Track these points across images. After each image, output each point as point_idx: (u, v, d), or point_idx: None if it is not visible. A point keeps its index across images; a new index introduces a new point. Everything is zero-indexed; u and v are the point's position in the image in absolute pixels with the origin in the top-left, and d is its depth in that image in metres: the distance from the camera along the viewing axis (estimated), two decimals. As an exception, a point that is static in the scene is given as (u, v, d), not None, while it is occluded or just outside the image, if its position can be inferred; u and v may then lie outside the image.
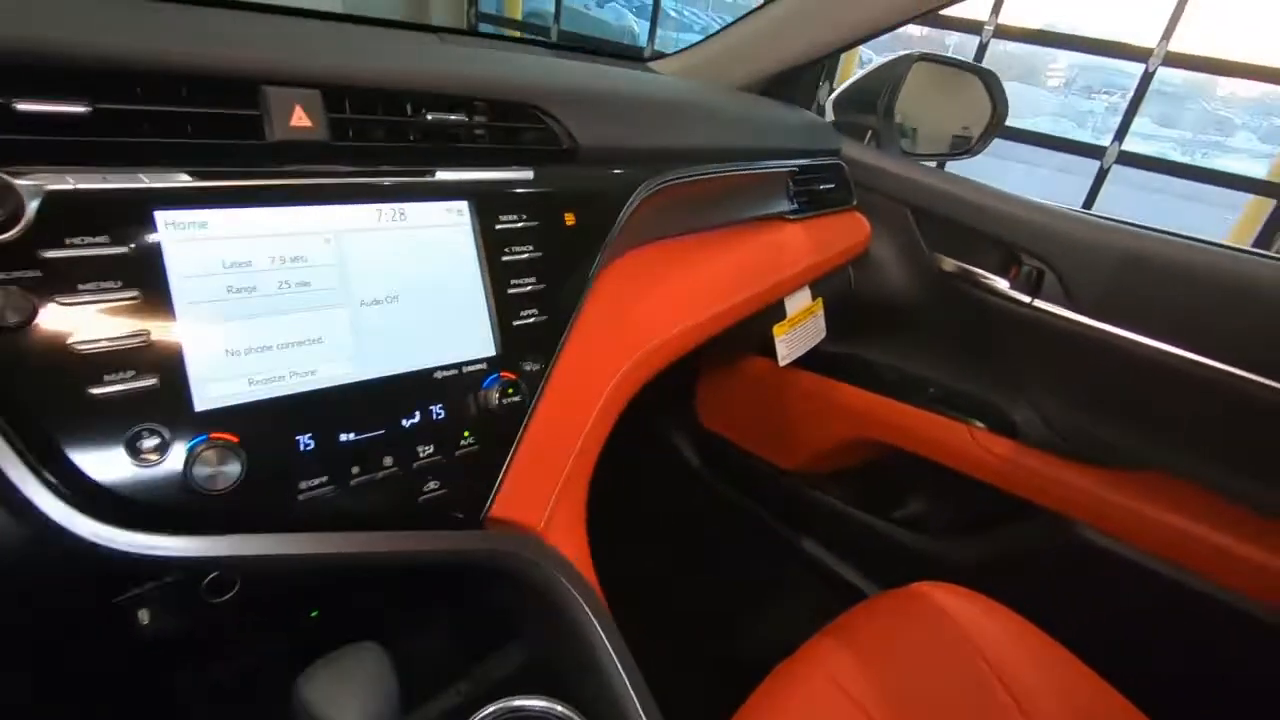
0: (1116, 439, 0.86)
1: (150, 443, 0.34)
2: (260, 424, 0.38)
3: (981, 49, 3.60)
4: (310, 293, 0.41)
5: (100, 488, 0.33)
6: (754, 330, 0.91)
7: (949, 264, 0.95)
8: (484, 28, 5.18)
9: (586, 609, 0.50)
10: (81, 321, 0.33)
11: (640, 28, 6.79)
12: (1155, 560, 0.86)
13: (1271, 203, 3.27)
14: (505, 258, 0.50)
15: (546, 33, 5.00)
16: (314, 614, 0.55)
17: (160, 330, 0.35)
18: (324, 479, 0.40)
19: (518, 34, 5.14)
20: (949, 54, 1.14)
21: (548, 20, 5.11)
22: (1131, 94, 3.35)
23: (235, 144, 0.39)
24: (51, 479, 0.32)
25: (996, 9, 3.56)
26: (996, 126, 1.09)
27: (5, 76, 0.32)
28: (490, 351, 0.48)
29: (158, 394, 0.35)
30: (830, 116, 1.05)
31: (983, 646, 0.71)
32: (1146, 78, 3.29)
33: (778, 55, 0.90)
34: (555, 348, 0.52)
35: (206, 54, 0.39)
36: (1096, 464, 0.88)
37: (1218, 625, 0.84)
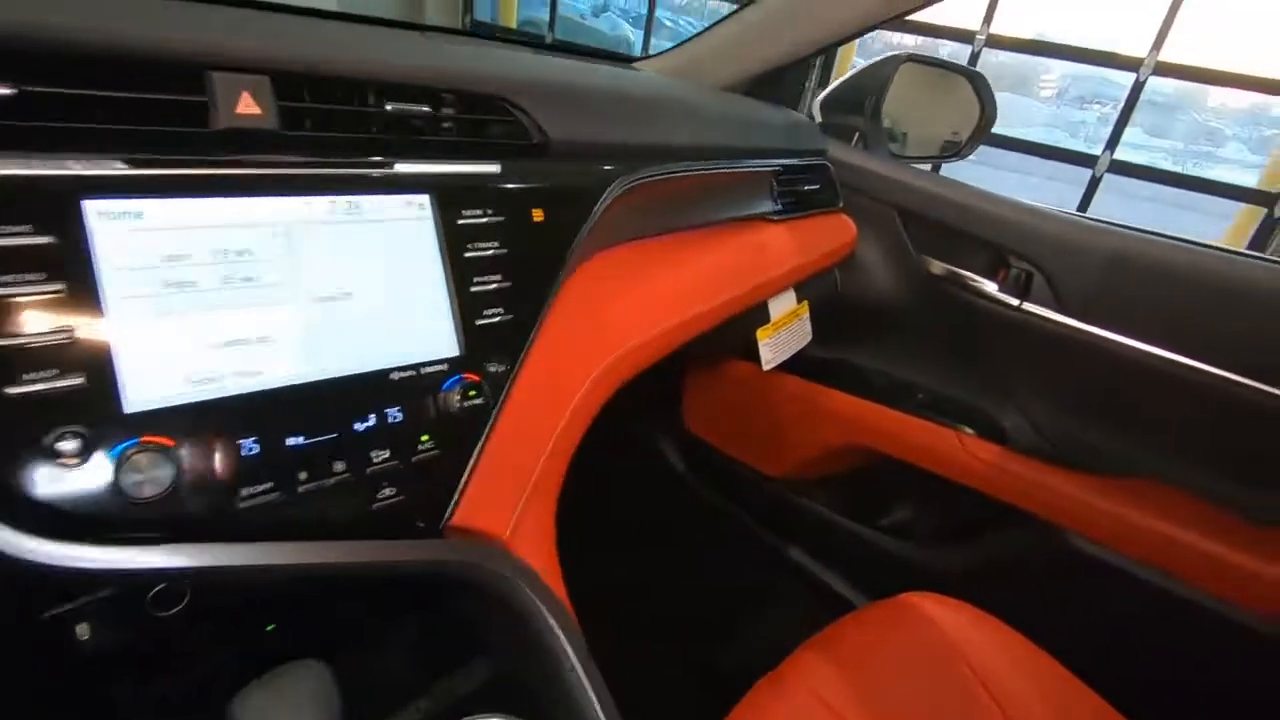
0: (1105, 444, 0.84)
1: (71, 446, 0.32)
2: (198, 427, 0.36)
3: (974, 58, 3.62)
4: (256, 288, 0.39)
5: (17, 495, 0.31)
6: (739, 333, 0.89)
7: (937, 266, 0.94)
8: (478, 35, 5.18)
9: (553, 622, 0.48)
10: None
11: (636, 37, 6.82)
12: (1144, 568, 0.85)
13: (1262, 211, 3.29)
14: (469, 254, 0.48)
15: (540, 41, 5.02)
16: (270, 628, 0.53)
17: (88, 327, 0.33)
18: (268, 485, 0.38)
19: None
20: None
21: (542, 29, 5.13)
22: (1123, 103, 3.37)
23: (178, 131, 0.37)
24: None
25: (988, 17, 3.59)
26: (985, 129, 1.08)
27: None
28: (451, 352, 0.46)
29: (83, 394, 0.33)
30: (818, 118, 1.04)
31: (970, 658, 0.69)
32: (1137, 87, 3.32)
33: (762, 54, 0.89)
34: (522, 349, 0.50)
35: (147, 35, 0.37)
36: (1085, 470, 0.86)
37: (1207, 633, 0.82)
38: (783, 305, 0.91)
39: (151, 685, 0.49)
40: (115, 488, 0.33)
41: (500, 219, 0.49)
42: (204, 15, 0.42)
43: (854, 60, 3.93)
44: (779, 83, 0.94)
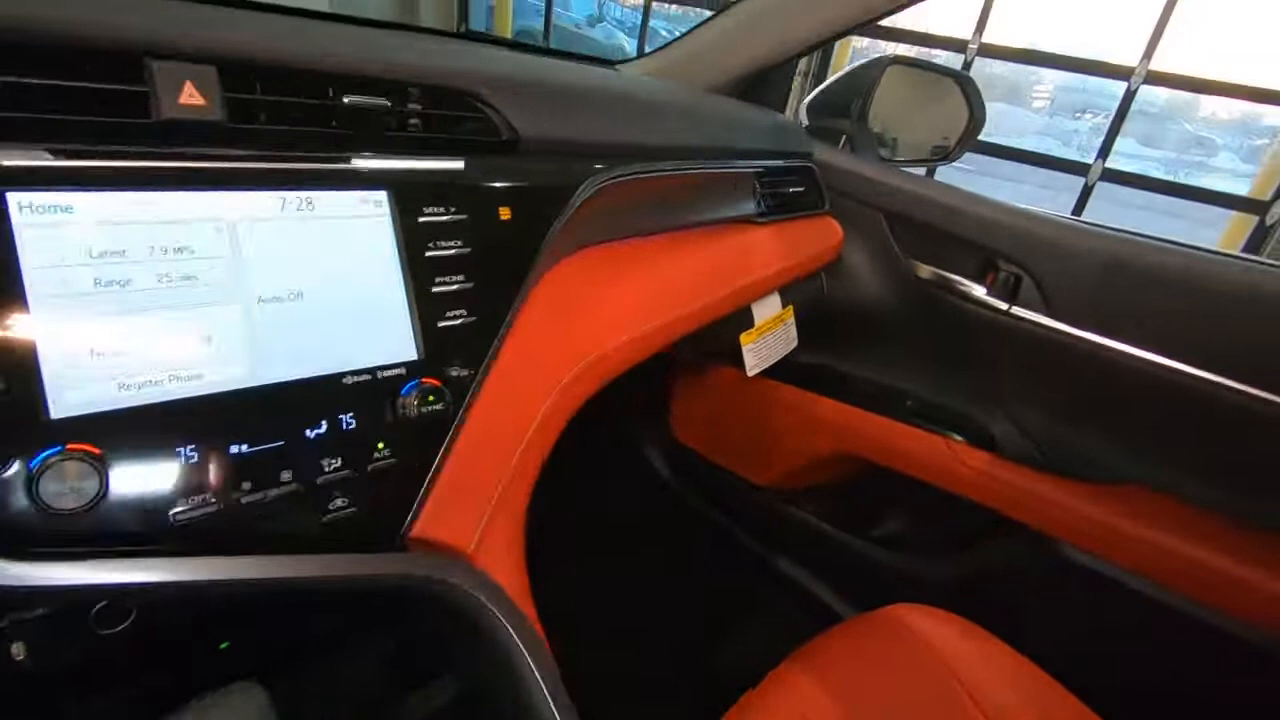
0: (1095, 451, 0.83)
1: None
2: (130, 434, 0.34)
3: (966, 67, 3.63)
4: (196, 287, 0.37)
5: None
6: (724, 338, 0.87)
7: (925, 270, 0.92)
8: (472, 44, 5.19)
9: (517, 639, 0.46)
10: None
11: (631, 46, 6.84)
12: (1134, 577, 0.83)
13: (1254, 219, 3.30)
14: (430, 253, 0.46)
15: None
16: (224, 646, 0.50)
17: (8, 327, 0.31)
18: (205, 496, 0.36)
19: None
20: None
21: (538, 39, 5.14)
22: (1114, 111, 3.39)
23: (116, 122, 0.35)
24: None
25: (981, 26, 3.61)
26: (974, 132, 1.06)
27: None
28: (410, 355, 0.44)
29: (2, 400, 0.31)
30: (805, 121, 1.03)
31: (958, 671, 0.67)
32: (1129, 95, 3.33)
33: (747, 54, 0.87)
34: (487, 353, 0.48)
35: (84, 19, 0.35)
36: (1075, 478, 0.84)
37: (1197, 643, 0.80)
38: (767, 309, 0.89)
39: (88, 703, 0.47)
40: (33, 498, 0.31)
41: (464, 217, 0.47)
42: (151, 3, 0.40)
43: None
44: (764, 84, 0.93)
